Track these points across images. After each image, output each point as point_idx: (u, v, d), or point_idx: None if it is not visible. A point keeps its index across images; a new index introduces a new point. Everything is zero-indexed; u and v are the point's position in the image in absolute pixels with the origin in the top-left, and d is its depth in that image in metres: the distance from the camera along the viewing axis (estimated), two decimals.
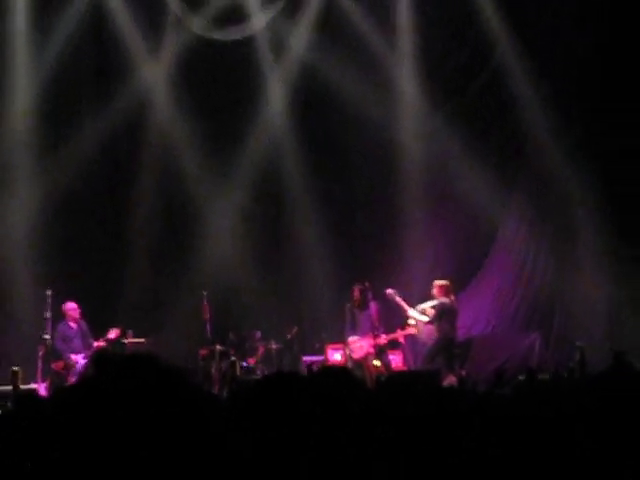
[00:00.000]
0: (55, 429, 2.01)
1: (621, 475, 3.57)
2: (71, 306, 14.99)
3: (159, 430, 1.96)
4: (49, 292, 14.48)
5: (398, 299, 14.76)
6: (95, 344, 14.86)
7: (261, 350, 16.12)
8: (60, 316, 14.92)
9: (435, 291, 14.55)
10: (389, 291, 14.83)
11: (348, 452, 3.12)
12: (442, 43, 17.22)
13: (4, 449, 3.13)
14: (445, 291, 14.46)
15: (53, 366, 14.38)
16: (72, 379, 14.22)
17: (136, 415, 1.96)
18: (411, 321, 14.72)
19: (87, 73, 17.34)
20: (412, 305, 14.81)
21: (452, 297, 14.53)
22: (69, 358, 14.52)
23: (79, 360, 14.58)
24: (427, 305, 14.60)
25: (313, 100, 17.74)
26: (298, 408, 3.40)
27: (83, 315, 15.09)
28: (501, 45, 16.97)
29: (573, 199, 16.79)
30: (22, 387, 13.24)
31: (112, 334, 14.87)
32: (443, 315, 14.31)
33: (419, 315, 14.60)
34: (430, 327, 14.48)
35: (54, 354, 14.47)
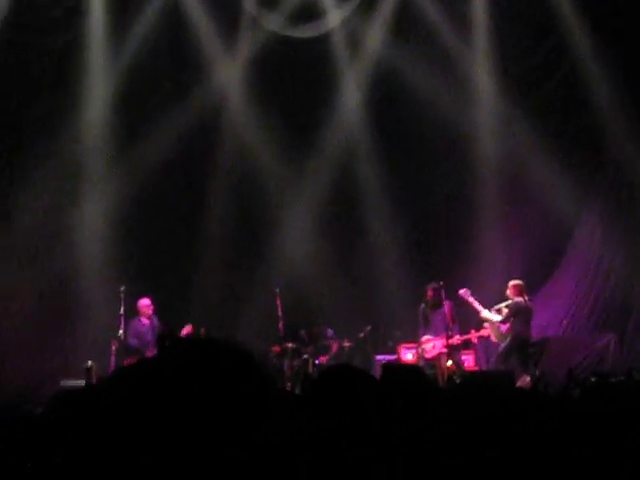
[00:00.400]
0: (112, 407, 1.97)
1: None
2: (144, 302, 15.10)
3: (219, 415, 1.92)
4: (122, 288, 14.64)
5: (471, 299, 14.65)
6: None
7: (334, 348, 16.12)
8: (134, 312, 15.06)
9: (509, 291, 14.41)
10: (462, 291, 14.73)
11: (415, 449, 3.09)
12: (518, 39, 17.05)
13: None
14: (518, 291, 14.30)
15: (125, 362, 14.50)
16: None
17: (195, 396, 1.92)
18: (486, 322, 14.60)
19: (163, 73, 17.46)
20: (486, 305, 14.69)
21: (526, 297, 14.37)
22: (144, 354, 14.62)
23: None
24: (502, 305, 14.48)
25: (389, 97, 17.68)
26: (362, 401, 3.39)
27: (156, 311, 15.21)
28: (578, 40, 16.76)
29: None
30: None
31: (185, 330, 14.97)
32: (517, 315, 14.17)
33: (493, 315, 14.47)
34: (505, 326, 14.33)
35: (127, 350, 14.60)
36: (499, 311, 14.46)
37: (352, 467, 2.88)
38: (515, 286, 14.35)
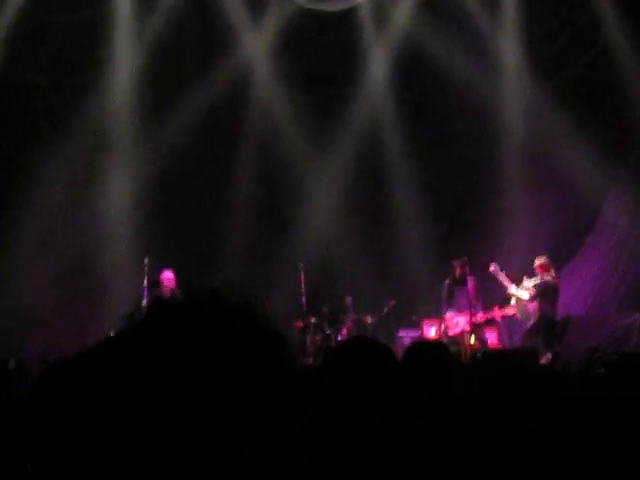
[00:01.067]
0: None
1: None
2: (167, 275, 15.04)
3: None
4: (146, 261, 14.65)
5: (501, 275, 14.50)
6: None
7: (351, 318, 16.04)
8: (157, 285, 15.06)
9: (537, 269, 14.26)
10: (492, 266, 14.59)
11: (420, 447, 3.03)
12: (549, 17, 16.92)
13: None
14: (545, 268, 14.16)
15: None
16: None
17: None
18: (513, 300, 14.46)
19: (190, 45, 17.44)
20: (513, 282, 14.58)
21: (553, 273, 14.22)
22: None
23: None
24: (530, 283, 14.32)
25: (415, 72, 17.60)
26: (379, 373, 3.35)
27: (178, 286, 15.15)
28: (608, 18, 16.60)
29: None
30: None
31: None
32: (545, 293, 14.05)
33: (521, 292, 14.32)
34: (532, 305, 14.20)
35: None
36: (527, 289, 14.32)
37: (355, 465, 2.83)
38: (542, 264, 14.20)
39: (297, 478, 2.27)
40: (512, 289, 14.32)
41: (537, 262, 14.26)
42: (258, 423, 1.79)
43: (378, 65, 17.94)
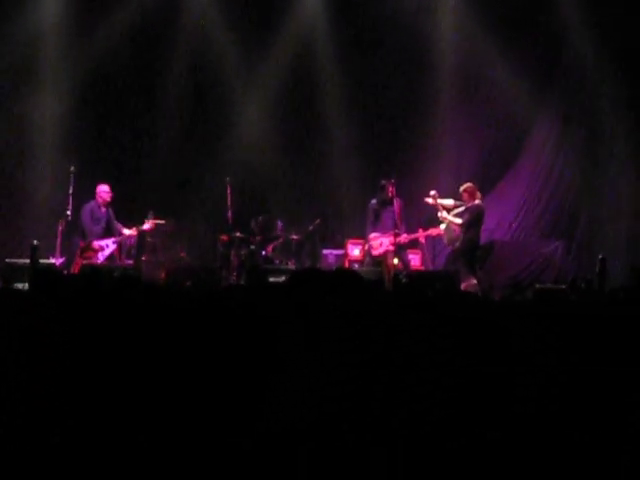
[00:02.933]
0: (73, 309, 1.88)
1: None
2: (104, 188, 14.88)
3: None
4: (72, 169, 14.52)
5: (438, 200, 14.46)
6: (127, 232, 14.75)
7: (280, 240, 16.17)
8: (84, 194, 14.92)
9: (463, 196, 14.28)
10: (433, 192, 14.54)
11: (416, 434, 3.05)
12: None
13: (23, 323, 3.11)
14: (471, 193, 14.22)
15: (81, 244, 14.40)
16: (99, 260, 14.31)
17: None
18: (442, 225, 14.49)
19: None
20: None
21: (479, 196, 14.28)
22: (92, 243, 14.48)
23: (109, 244, 14.56)
24: (459, 210, 14.34)
25: None
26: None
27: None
28: None
29: (606, 104, 16.61)
30: (41, 261, 13.33)
31: (147, 225, 14.84)
32: (476, 219, 14.09)
33: (453, 217, 14.33)
34: (458, 229, 14.22)
35: (80, 231, 14.52)
36: (458, 215, 14.33)
37: (352, 454, 2.84)
38: (467, 191, 14.21)
39: (296, 468, 2.29)
40: (444, 213, 14.35)
41: (462, 189, 14.32)
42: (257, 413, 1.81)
43: None
